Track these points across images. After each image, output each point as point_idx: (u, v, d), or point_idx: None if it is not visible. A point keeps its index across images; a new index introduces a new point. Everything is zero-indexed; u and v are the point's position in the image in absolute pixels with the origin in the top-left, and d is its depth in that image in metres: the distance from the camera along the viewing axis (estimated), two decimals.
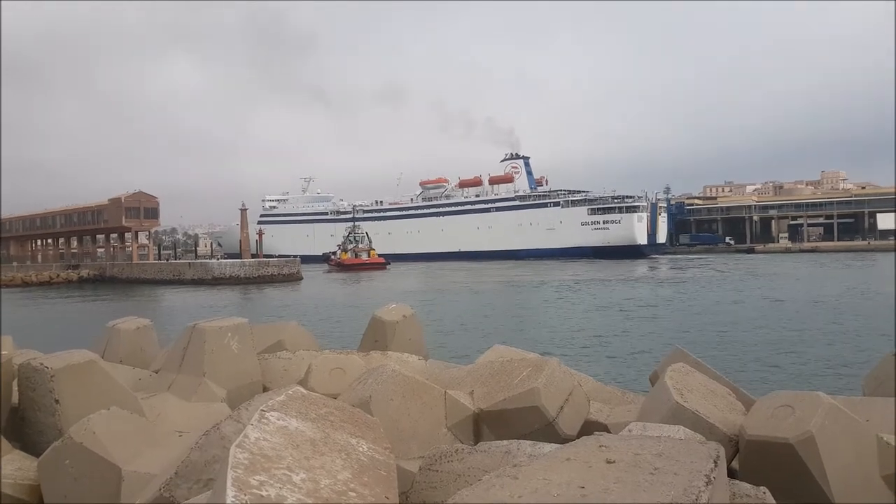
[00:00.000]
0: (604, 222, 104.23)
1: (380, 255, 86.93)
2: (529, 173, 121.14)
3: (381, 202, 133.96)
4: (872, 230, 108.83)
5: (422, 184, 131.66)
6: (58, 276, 71.13)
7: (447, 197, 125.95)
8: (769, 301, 31.30)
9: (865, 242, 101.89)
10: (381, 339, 6.77)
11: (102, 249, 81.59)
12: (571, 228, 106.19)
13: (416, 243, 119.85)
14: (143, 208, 74.52)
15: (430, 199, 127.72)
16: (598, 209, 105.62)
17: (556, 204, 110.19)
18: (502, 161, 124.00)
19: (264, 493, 1.87)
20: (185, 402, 5.10)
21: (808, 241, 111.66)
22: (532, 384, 4.26)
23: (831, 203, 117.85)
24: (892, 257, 72.20)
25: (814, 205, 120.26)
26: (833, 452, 3.22)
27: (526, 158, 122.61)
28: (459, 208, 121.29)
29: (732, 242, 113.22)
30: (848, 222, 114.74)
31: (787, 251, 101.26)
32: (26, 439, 4.51)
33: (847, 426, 3.34)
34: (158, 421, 4.62)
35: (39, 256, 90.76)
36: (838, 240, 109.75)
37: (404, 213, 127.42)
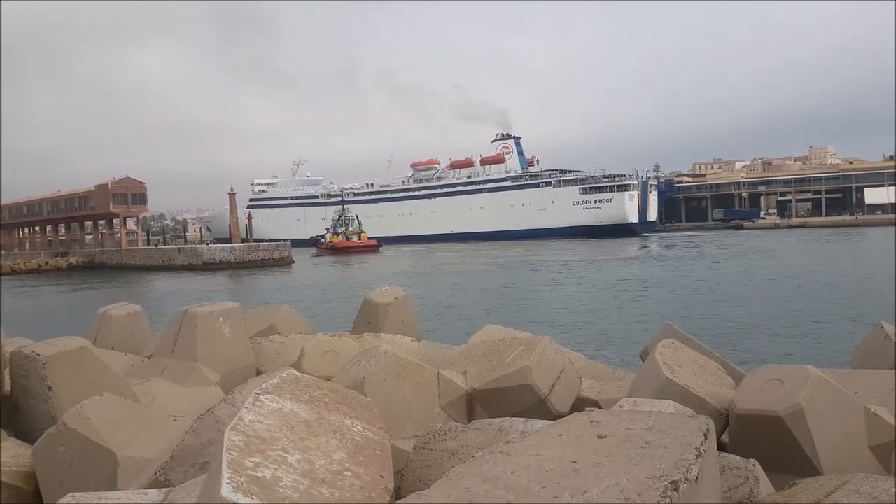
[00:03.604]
0: (595, 201, 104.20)
1: (371, 238, 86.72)
2: (521, 153, 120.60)
3: (372, 185, 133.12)
4: (860, 205, 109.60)
5: (413, 166, 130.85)
6: (46, 263, 70.55)
7: (438, 178, 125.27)
8: (758, 276, 31.56)
9: (853, 217, 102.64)
10: (374, 322, 6.78)
11: (91, 236, 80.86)
12: (563, 208, 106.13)
13: (408, 225, 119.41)
14: (131, 194, 73.79)
15: (421, 180, 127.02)
16: (590, 188, 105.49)
17: (548, 184, 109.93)
18: (493, 141, 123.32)
19: (260, 475, 1.89)
20: (179, 386, 5.11)
21: (797, 216, 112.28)
22: (524, 363, 4.30)
23: (819, 178, 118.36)
24: (880, 231, 72.90)
25: (802, 180, 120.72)
26: (822, 424, 3.27)
27: (517, 138, 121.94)
28: (451, 190, 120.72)
29: (767, 217, 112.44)
30: (836, 197, 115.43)
31: (776, 227, 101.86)
32: (20, 427, 4.51)
33: (836, 398, 3.39)
34: (152, 406, 4.63)
35: (27, 244, 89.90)
36: (826, 215, 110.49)
37: (396, 195, 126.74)
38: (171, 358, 5.41)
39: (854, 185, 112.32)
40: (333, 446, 2.25)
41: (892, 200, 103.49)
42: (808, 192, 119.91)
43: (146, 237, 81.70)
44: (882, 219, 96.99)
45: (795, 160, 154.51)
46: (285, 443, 2.11)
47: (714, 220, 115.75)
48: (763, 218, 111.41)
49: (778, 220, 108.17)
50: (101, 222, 78.31)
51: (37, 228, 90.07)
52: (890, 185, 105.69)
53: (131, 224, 79.88)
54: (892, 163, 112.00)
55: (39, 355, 4.41)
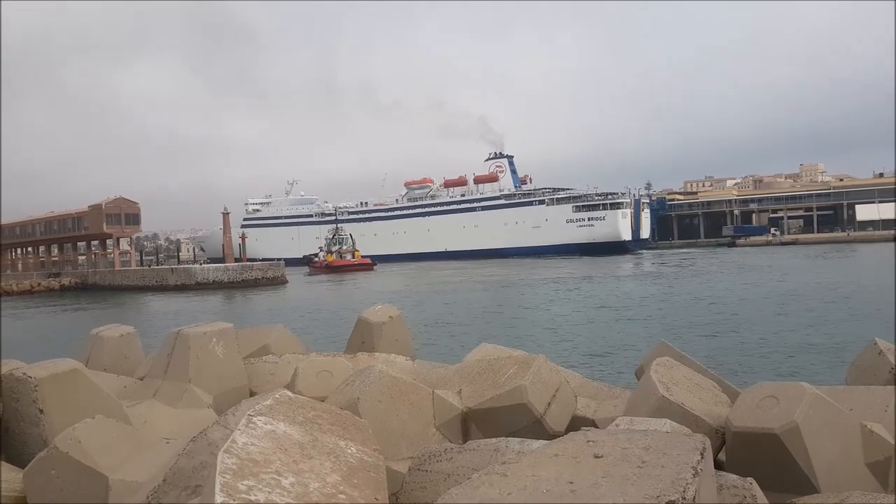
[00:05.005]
0: (589, 219, 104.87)
1: (365, 257, 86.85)
2: (514, 172, 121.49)
3: (367, 203, 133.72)
4: (851, 222, 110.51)
5: (407, 184, 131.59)
6: (39, 284, 70.04)
7: (432, 197, 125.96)
8: (752, 293, 31.66)
9: (845, 234, 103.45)
10: (368, 341, 6.75)
11: (84, 257, 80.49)
12: (557, 226, 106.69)
13: (402, 244, 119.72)
14: (125, 214, 73.58)
15: (415, 199, 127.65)
16: (583, 206, 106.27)
17: (541, 202, 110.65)
18: (486, 160, 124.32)
19: (253, 498, 1.87)
20: (172, 408, 5.06)
21: (789, 233, 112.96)
22: (519, 382, 4.28)
23: (810, 196, 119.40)
24: (872, 248, 73.46)
25: (793, 198, 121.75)
26: (818, 442, 3.26)
27: (510, 157, 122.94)
28: (445, 208, 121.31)
29: (778, 233, 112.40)
30: (827, 214, 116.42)
31: (768, 244, 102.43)
32: (11, 450, 4.45)
33: (831, 415, 3.39)
34: (145, 428, 4.58)
35: (20, 265, 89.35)
36: (818, 232, 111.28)
37: (390, 213, 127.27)
38: (164, 379, 5.36)
39: (845, 202, 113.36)
40: (328, 469, 2.23)
41: (883, 217, 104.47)
42: (800, 209, 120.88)
43: (139, 257, 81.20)
44: (873, 235, 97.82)
45: (786, 177, 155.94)
46: (279, 465, 2.09)
47: (723, 235, 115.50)
48: (774, 234, 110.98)
49: (770, 237, 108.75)
50: (95, 243, 78.00)
51: (29, 249, 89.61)
52: (881, 202, 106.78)
53: (125, 244, 79.57)
54: (881, 179, 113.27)
55: (31, 377, 4.37)
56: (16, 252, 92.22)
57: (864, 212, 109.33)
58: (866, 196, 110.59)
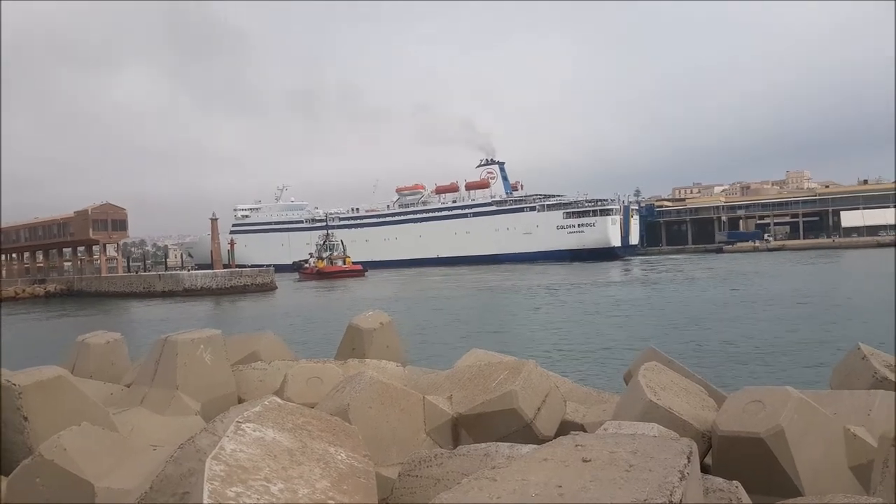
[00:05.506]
0: (579, 226, 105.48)
1: (356, 263, 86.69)
2: (505, 178, 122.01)
3: (358, 209, 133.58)
4: (837, 228, 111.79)
5: (398, 190, 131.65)
6: (23, 291, 69.25)
7: (424, 203, 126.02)
8: (737, 298, 31.90)
9: (830, 240, 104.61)
10: (359, 347, 6.74)
11: (70, 263, 79.71)
12: (547, 232, 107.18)
13: (393, 250, 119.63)
14: (111, 220, 72.99)
15: (406, 205, 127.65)
16: (573, 213, 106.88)
17: (532, 208, 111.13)
18: (478, 167, 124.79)
19: None
20: (159, 415, 5.02)
21: (775, 239, 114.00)
22: (509, 387, 4.30)
23: (797, 202, 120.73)
24: (857, 254, 74.30)
25: (780, 204, 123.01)
26: (803, 445, 3.30)
27: (501, 164, 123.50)
28: (437, 214, 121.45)
29: (772, 239, 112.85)
30: (813, 220, 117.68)
31: (755, 250, 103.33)
32: None
33: (815, 419, 3.43)
34: (132, 436, 4.54)
35: (4, 271, 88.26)
36: (804, 237, 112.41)
37: (381, 220, 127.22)
38: (151, 386, 5.33)
39: (830, 209, 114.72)
40: (317, 475, 2.23)
41: (867, 223, 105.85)
42: (786, 215, 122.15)
43: (126, 264, 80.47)
44: (858, 241, 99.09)
45: (773, 184, 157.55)
46: (268, 472, 2.09)
47: (717, 241, 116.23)
48: (768, 240, 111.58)
49: (757, 243, 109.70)
50: (81, 249, 77.24)
51: (13, 255, 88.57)
52: (865, 209, 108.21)
53: (111, 250, 78.84)
54: (865, 186, 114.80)
55: (15, 385, 4.32)
56: (0, 258, 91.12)
57: (849, 218, 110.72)
58: (851, 203, 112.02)
